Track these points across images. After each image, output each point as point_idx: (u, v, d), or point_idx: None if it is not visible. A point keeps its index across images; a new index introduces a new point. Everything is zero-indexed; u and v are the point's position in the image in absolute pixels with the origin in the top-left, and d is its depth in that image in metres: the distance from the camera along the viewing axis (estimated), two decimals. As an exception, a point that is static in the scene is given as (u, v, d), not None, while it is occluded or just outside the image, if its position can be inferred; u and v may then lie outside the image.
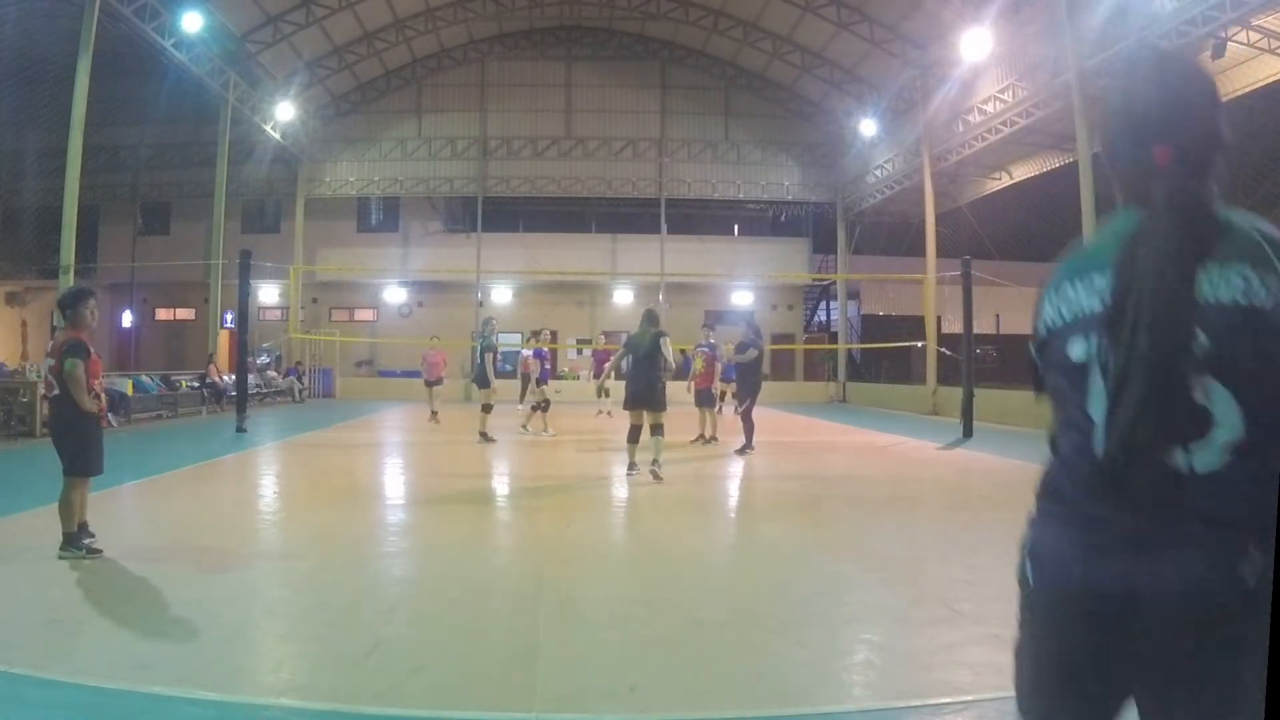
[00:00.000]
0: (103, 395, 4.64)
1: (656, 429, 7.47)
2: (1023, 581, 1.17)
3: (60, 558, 4.28)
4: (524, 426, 12.23)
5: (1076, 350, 1.12)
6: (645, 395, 7.48)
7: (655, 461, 7.34)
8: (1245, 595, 0.97)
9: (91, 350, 4.48)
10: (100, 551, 4.36)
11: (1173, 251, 1.03)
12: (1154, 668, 1.05)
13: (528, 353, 14.44)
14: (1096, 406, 1.09)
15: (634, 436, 7.65)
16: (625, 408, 7.73)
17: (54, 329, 5.01)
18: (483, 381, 11.14)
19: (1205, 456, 1.00)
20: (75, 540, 4.34)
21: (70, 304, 4.52)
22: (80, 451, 4.43)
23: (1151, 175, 1.11)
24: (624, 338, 22.84)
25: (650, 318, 7.78)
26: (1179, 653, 1.02)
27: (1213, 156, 1.14)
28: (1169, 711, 1.06)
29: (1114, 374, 1.05)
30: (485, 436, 10.78)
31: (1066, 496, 1.14)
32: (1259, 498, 0.98)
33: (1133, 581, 1.03)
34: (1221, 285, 1.02)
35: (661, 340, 7.47)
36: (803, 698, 2.71)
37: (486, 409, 11.12)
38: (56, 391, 4.42)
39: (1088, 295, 1.12)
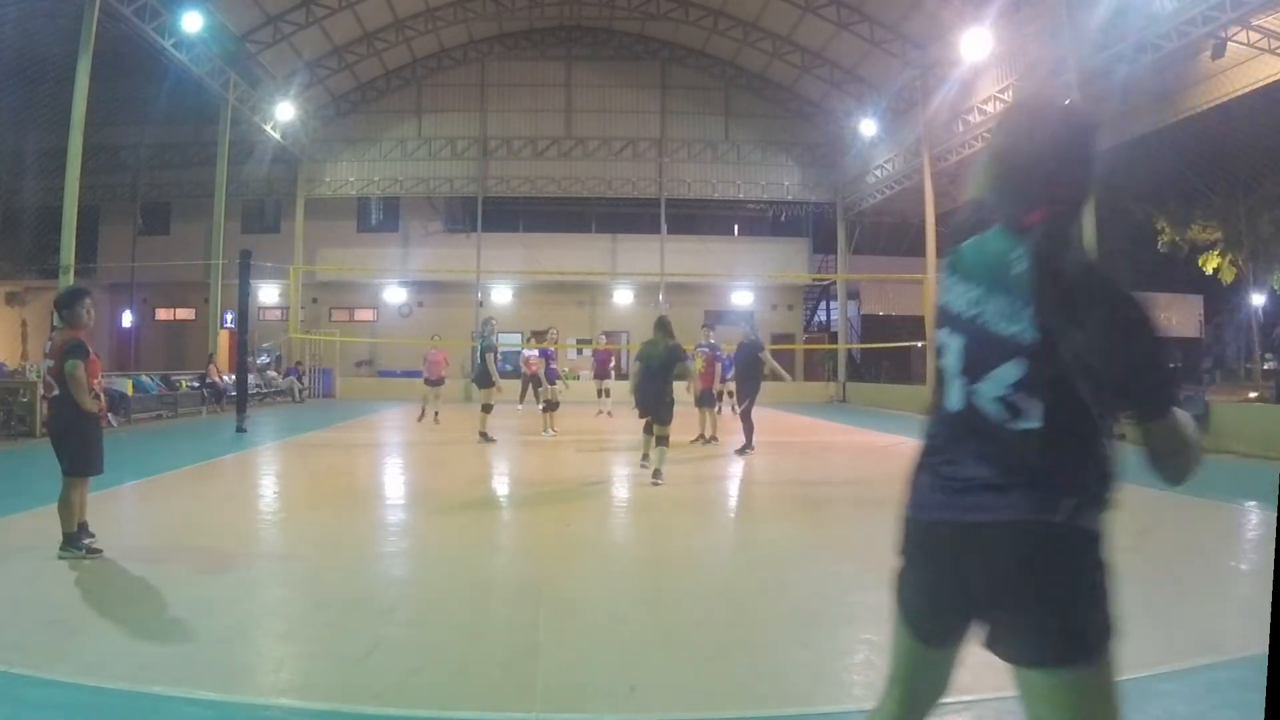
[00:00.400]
0: (102, 395, 4.64)
1: (661, 440, 7.49)
2: (904, 513, 1.48)
3: (60, 558, 4.28)
4: (548, 429, 12.13)
5: (941, 335, 1.47)
6: (653, 407, 7.55)
7: (656, 472, 7.34)
8: (1056, 527, 1.29)
9: (90, 350, 4.48)
10: (100, 551, 4.37)
11: (1053, 289, 1.30)
12: (988, 584, 1.33)
13: (532, 353, 14.45)
14: (951, 382, 1.43)
15: (650, 429, 7.75)
16: (639, 414, 7.89)
17: (53, 329, 4.99)
18: (484, 381, 11.11)
19: (1027, 425, 1.32)
20: (75, 540, 4.34)
21: (66, 304, 4.52)
22: (80, 451, 4.43)
23: (1026, 225, 1.36)
24: (624, 337, 22.71)
25: (663, 326, 7.75)
26: (1007, 570, 1.31)
27: (1079, 209, 1.39)
28: (1002, 622, 1.33)
29: (982, 361, 1.37)
30: (485, 436, 10.78)
31: (932, 444, 1.46)
32: (1065, 457, 1.31)
33: (980, 513, 1.33)
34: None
35: (679, 364, 7.60)
36: (803, 698, 2.71)
37: (487, 409, 11.12)
38: (56, 392, 4.42)
39: (956, 298, 1.43)
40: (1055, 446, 1.31)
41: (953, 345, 1.44)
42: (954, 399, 1.43)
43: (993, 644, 1.37)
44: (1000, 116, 1.51)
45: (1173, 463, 1.33)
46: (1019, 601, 1.31)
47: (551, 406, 12.47)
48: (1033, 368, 1.31)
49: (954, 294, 1.44)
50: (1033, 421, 1.31)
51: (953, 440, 1.42)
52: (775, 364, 10.51)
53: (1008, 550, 1.31)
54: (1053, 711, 1.32)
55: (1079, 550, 1.31)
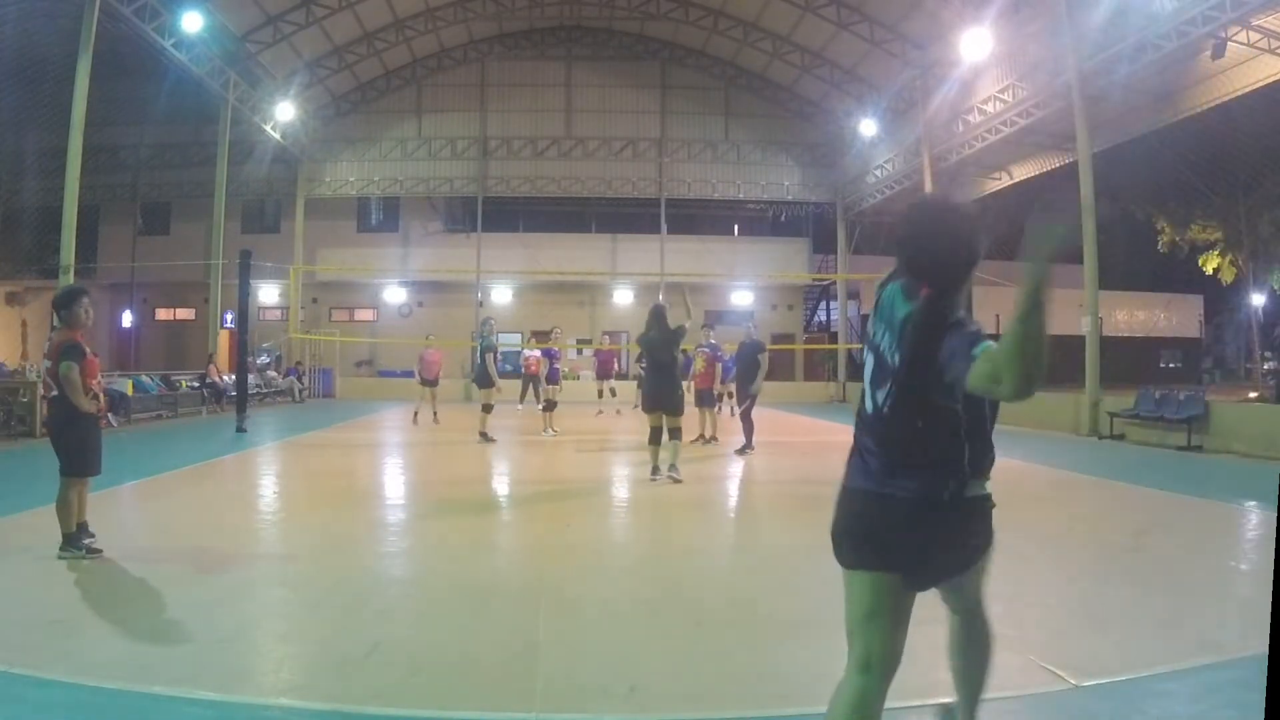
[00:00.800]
0: (101, 395, 4.63)
1: (674, 432, 7.39)
2: (843, 482, 2.00)
3: (60, 558, 4.28)
4: (547, 429, 12.12)
5: (865, 351, 2.01)
6: (665, 398, 7.39)
7: (672, 466, 7.29)
8: (944, 498, 1.82)
9: (88, 350, 4.47)
10: (100, 551, 4.36)
11: (919, 338, 1.81)
12: (902, 535, 1.84)
13: (533, 353, 14.45)
14: (867, 389, 1.97)
15: (655, 438, 7.45)
16: (645, 409, 7.63)
17: (53, 329, 4.99)
18: (484, 381, 11.09)
19: (909, 427, 1.85)
20: (74, 540, 4.34)
21: (64, 304, 4.50)
22: (78, 452, 4.42)
23: (918, 294, 1.86)
24: (624, 337, 22.68)
25: (658, 316, 7.56)
26: (911, 526, 1.83)
27: (960, 286, 1.87)
28: (912, 559, 1.85)
29: (880, 379, 1.92)
30: (485, 436, 10.78)
31: (858, 435, 1.98)
32: (950, 449, 1.84)
33: (889, 489, 1.85)
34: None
35: (687, 350, 7.54)
36: (803, 698, 2.70)
37: (487, 409, 11.11)
38: (55, 392, 4.41)
39: (874, 326, 1.98)
40: (933, 443, 1.84)
41: (869, 361, 1.98)
42: (868, 402, 1.95)
43: (913, 574, 1.91)
44: (903, 213, 2.00)
45: (1010, 373, 1.58)
46: (926, 546, 1.87)
47: (550, 406, 12.48)
48: (898, 388, 1.86)
49: (874, 323, 1.98)
50: (912, 425, 1.85)
51: (869, 433, 1.93)
52: (765, 368, 10.39)
53: (911, 515, 1.84)
54: (972, 585, 2.15)
55: (965, 512, 1.88)
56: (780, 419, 16.03)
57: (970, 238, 1.87)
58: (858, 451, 1.96)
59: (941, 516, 1.83)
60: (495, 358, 11.08)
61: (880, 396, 1.89)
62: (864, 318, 28.55)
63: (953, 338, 1.74)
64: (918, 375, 1.81)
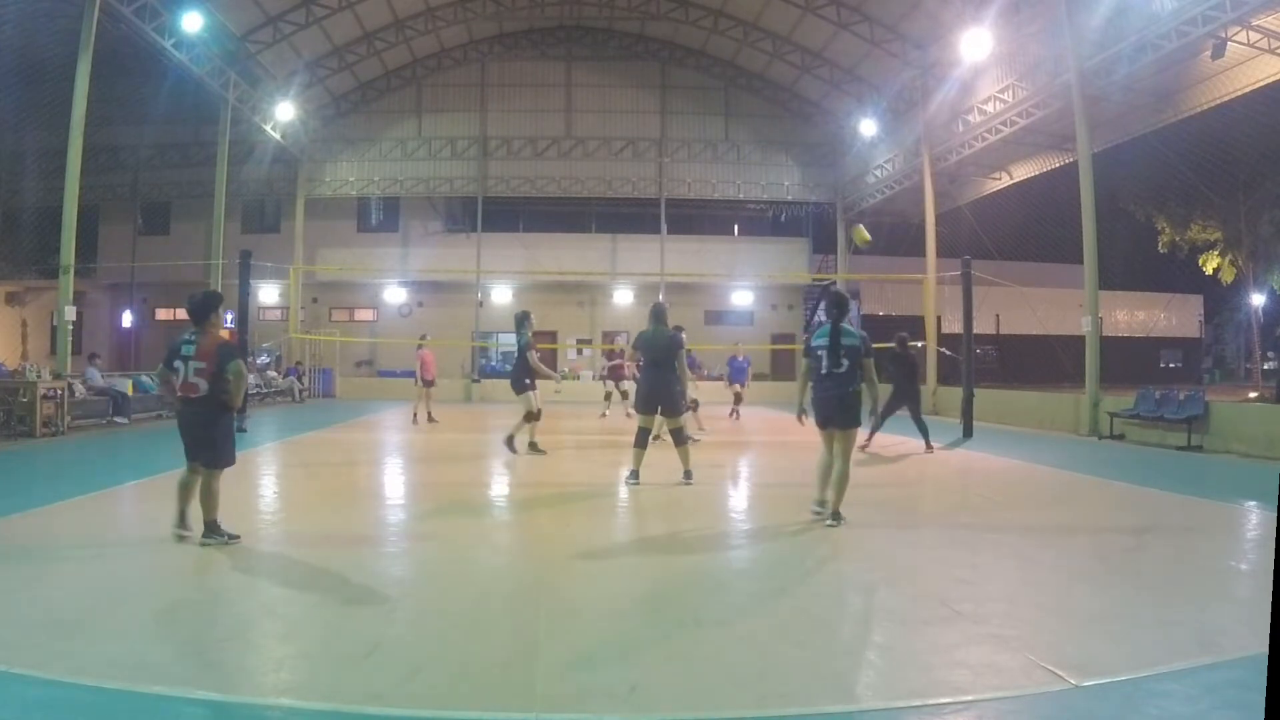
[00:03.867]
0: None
1: (677, 435, 7.33)
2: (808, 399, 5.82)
3: (203, 544, 4.62)
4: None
5: (820, 352, 5.71)
6: (662, 398, 7.24)
7: (687, 473, 7.24)
8: (849, 396, 5.57)
9: None
10: (239, 538, 4.74)
11: (837, 335, 5.65)
12: (824, 415, 5.73)
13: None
14: (823, 364, 5.68)
15: (641, 440, 7.28)
16: (638, 410, 7.42)
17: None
18: (523, 385, 9.33)
19: (835, 370, 5.61)
20: (215, 528, 4.71)
21: (205, 310, 4.92)
22: (225, 446, 4.87)
23: (831, 318, 5.76)
24: (624, 337, 22.80)
25: (658, 314, 7.40)
26: (835, 411, 5.67)
27: (846, 315, 5.82)
28: (836, 419, 5.65)
29: (827, 359, 5.64)
30: (534, 447, 9.50)
31: (818, 381, 5.70)
32: (856, 383, 5.68)
33: (829, 396, 5.63)
34: (847, 340, 5.64)
35: (680, 353, 7.30)
36: (803, 698, 2.71)
37: (529, 416, 9.36)
38: (202, 392, 4.76)
39: (818, 341, 5.74)
40: (853, 376, 5.59)
41: (822, 353, 5.68)
42: (824, 367, 5.66)
43: (832, 425, 5.64)
44: (822, 296, 5.23)
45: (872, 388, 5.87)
46: (845, 411, 5.58)
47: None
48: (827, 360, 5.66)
49: (820, 341, 5.71)
50: (827, 369, 5.64)
51: (825, 377, 5.65)
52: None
53: (839, 406, 5.61)
54: (844, 445, 5.65)
55: (845, 403, 5.58)
56: (782, 419, 16.02)
57: (845, 304, 5.84)
58: (816, 385, 5.57)
59: (846, 406, 5.49)
60: (535, 357, 9.36)
61: (829, 362, 5.53)
62: (864, 318, 28.60)
63: (868, 352, 5.70)
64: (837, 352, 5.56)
